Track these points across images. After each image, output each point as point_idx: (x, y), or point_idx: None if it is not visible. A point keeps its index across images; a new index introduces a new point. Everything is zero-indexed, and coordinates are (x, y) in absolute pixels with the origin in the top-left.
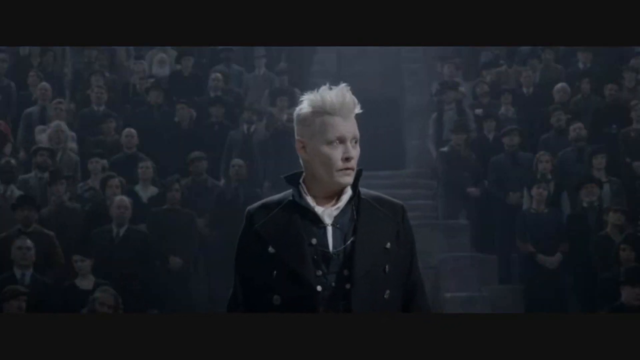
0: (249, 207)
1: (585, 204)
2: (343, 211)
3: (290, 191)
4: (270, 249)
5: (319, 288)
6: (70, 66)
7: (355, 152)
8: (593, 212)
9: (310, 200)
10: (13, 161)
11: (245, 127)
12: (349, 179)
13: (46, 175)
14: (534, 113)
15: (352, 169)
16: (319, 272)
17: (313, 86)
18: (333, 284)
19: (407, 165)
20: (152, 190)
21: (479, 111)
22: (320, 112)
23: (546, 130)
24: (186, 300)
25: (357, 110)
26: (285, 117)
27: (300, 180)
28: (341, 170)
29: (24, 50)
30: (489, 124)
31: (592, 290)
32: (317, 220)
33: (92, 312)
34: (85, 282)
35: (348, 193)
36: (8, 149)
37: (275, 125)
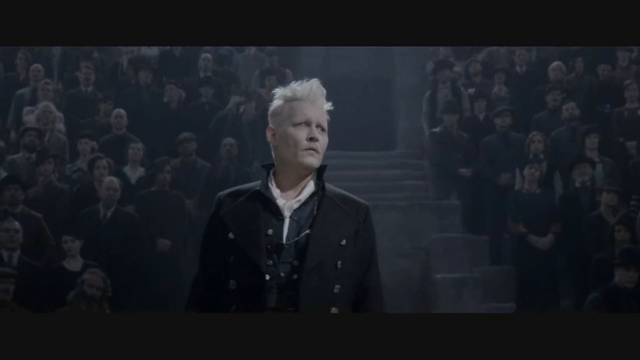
0: (220, 193)
1: (577, 184)
2: (304, 205)
3: (260, 182)
4: (231, 235)
5: (267, 277)
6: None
7: (321, 137)
8: (586, 192)
9: (275, 191)
10: (2, 143)
11: (234, 107)
12: (313, 159)
13: (34, 155)
14: (527, 93)
15: (316, 150)
16: (270, 262)
17: (303, 66)
18: (282, 274)
19: (398, 146)
20: (141, 171)
21: (471, 91)
22: (290, 99)
23: (539, 110)
24: (176, 282)
25: (326, 103)
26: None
27: (271, 171)
28: (306, 150)
29: None
30: (480, 103)
31: (585, 271)
32: (277, 212)
33: (81, 294)
34: (74, 264)
35: (310, 187)
36: None
37: (265, 106)
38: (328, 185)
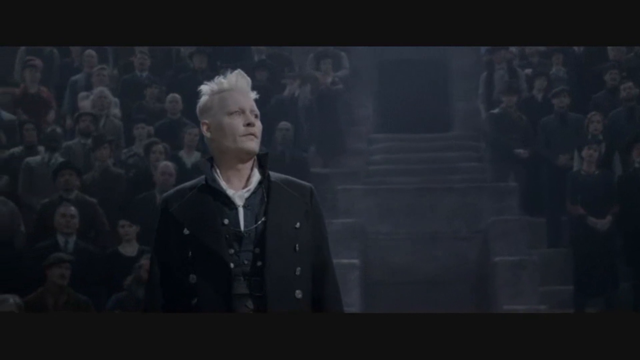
0: (164, 194)
1: (637, 165)
2: (254, 193)
3: (202, 177)
4: (185, 231)
5: (231, 265)
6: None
7: (257, 122)
8: None
9: (222, 183)
10: (58, 129)
11: (289, 90)
12: (253, 144)
13: (89, 141)
14: (585, 72)
15: (254, 134)
16: (232, 251)
17: (356, 48)
18: (245, 261)
19: (454, 127)
20: (196, 155)
21: (528, 71)
22: (217, 92)
23: (597, 89)
24: None
25: (252, 93)
26: (329, 80)
27: (215, 164)
28: (244, 135)
29: None
30: (540, 83)
31: None
32: (229, 202)
33: (138, 279)
34: (130, 249)
35: (257, 176)
36: (51, 116)
37: (320, 89)
38: (271, 172)
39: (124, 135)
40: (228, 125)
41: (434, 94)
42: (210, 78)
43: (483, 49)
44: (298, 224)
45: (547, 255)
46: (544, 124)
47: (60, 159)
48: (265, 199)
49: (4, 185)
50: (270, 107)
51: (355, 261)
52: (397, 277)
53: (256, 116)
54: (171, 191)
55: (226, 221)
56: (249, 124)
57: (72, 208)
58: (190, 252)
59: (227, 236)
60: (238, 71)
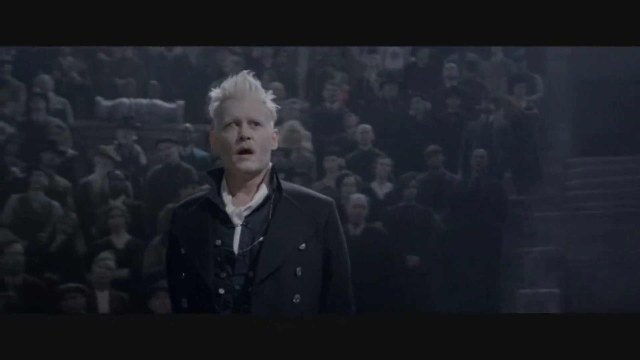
0: (174, 206)
1: None
2: (257, 210)
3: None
4: (182, 250)
5: (221, 291)
6: (304, 65)
7: (255, 133)
8: None
9: (226, 197)
10: None
11: (483, 117)
12: (247, 163)
13: (281, 175)
14: None
15: (248, 150)
16: (224, 274)
17: (550, 69)
18: (237, 286)
19: None
20: (388, 186)
21: None
22: (220, 99)
23: None
24: (423, 299)
25: (263, 94)
26: (524, 104)
27: (223, 176)
28: (237, 153)
29: (256, 51)
30: None
31: None
32: (226, 220)
33: None
34: None
35: (263, 191)
36: None
37: (514, 114)
38: (287, 185)
39: (315, 168)
40: (223, 140)
41: (632, 114)
42: (401, 108)
43: None
44: (303, 245)
45: None
46: None
47: None
48: (270, 217)
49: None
50: (464, 134)
51: (555, 290)
52: (598, 306)
53: (257, 124)
54: (180, 202)
55: (218, 242)
56: (241, 139)
57: None
58: (183, 274)
59: (218, 258)
60: (240, 74)
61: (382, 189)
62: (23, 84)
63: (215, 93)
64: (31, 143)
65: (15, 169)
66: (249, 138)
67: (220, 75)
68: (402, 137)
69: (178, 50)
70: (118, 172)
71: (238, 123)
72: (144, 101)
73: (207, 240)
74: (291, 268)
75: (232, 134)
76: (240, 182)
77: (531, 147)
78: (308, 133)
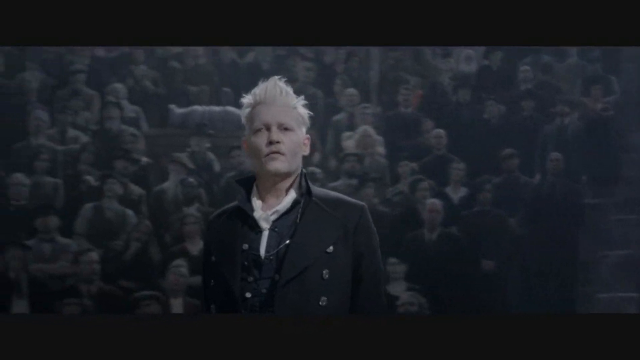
0: (211, 215)
1: None
2: (286, 214)
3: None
4: (213, 258)
5: (247, 295)
6: (377, 69)
7: (285, 137)
8: None
9: (255, 203)
10: (318, 171)
11: (559, 119)
12: (276, 163)
13: (354, 181)
14: None
15: (278, 152)
16: (251, 278)
17: (624, 71)
18: (264, 290)
19: None
20: (463, 191)
21: None
22: (252, 105)
23: None
24: (499, 303)
25: (290, 98)
26: (600, 106)
27: (254, 183)
28: (267, 155)
29: (328, 57)
30: None
31: None
32: (254, 225)
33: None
34: (397, 287)
35: (291, 195)
36: (316, 157)
37: (590, 116)
38: (317, 190)
39: (389, 173)
40: (253, 145)
41: None
42: (475, 112)
43: None
44: (331, 248)
45: None
46: None
47: None
48: (298, 220)
49: None
50: (540, 137)
51: (634, 295)
52: None
53: (287, 129)
54: (216, 212)
55: (246, 246)
56: (270, 142)
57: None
58: (212, 281)
59: (246, 263)
60: (271, 79)
61: (456, 193)
62: (97, 93)
63: (246, 99)
64: (105, 151)
65: (89, 178)
66: (278, 142)
67: (291, 82)
68: (476, 141)
69: (250, 57)
70: (191, 179)
71: (268, 128)
72: (216, 108)
73: (235, 246)
74: (318, 271)
75: (262, 139)
76: (270, 185)
77: (608, 150)
78: (380, 138)
